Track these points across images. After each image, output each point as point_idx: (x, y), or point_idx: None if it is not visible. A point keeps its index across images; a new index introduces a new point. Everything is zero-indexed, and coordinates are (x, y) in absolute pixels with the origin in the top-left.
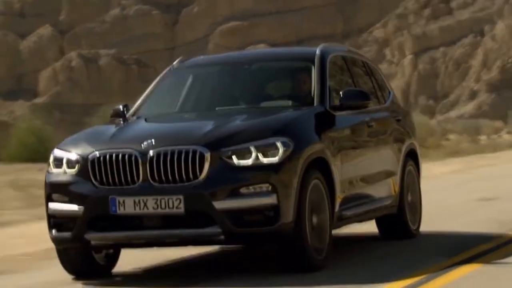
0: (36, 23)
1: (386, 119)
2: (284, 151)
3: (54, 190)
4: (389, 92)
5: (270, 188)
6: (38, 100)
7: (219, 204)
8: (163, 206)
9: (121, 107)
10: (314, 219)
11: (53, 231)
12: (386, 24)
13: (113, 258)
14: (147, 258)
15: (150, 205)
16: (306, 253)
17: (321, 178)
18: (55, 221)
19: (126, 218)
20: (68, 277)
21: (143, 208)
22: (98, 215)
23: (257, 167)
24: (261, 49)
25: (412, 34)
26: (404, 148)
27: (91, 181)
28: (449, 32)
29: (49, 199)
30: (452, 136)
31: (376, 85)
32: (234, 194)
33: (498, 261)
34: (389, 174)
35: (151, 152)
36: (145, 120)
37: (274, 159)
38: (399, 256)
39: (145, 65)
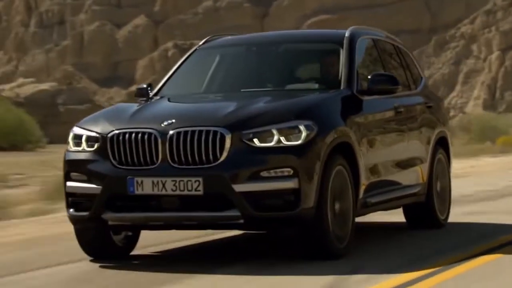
0: (132, 14)
1: (416, 105)
2: (307, 135)
3: (73, 168)
4: (421, 78)
5: (291, 172)
6: (135, 88)
7: (239, 187)
8: (181, 187)
9: (145, 86)
10: (337, 206)
11: (71, 210)
12: (474, 20)
13: (132, 240)
14: (168, 241)
15: (169, 186)
16: (326, 240)
17: (345, 164)
18: (73, 200)
19: (144, 199)
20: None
21: (162, 189)
22: (116, 195)
23: (279, 150)
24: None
25: (500, 30)
26: (434, 136)
27: (109, 160)
28: None
29: (67, 177)
30: None
31: (408, 70)
32: (255, 177)
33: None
34: (417, 161)
35: (171, 132)
36: (168, 100)
37: (297, 143)
38: (422, 246)
39: None
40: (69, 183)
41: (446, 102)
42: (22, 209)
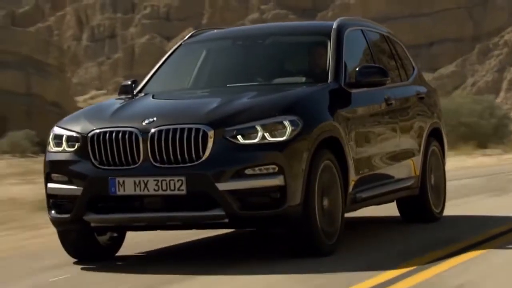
0: (180, 27)
1: (408, 96)
2: (292, 130)
3: (53, 169)
4: (413, 69)
5: (276, 169)
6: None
7: (222, 186)
8: (164, 187)
9: (129, 82)
10: (325, 202)
11: (52, 212)
12: None
13: (118, 241)
14: (154, 241)
15: (151, 186)
16: (314, 237)
17: (333, 159)
18: (54, 201)
19: (126, 200)
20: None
21: (144, 189)
22: (98, 196)
23: (263, 147)
24: (277, 23)
25: None
26: (427, 128)
27: (90, 160)
28: None
29: (48, 178)
30: None
31: (399, 61)
32: (239, 175)
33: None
34: (410, 154)
35: (152, 131)
36: (152, 96)
37: (282, 139)
38: (414, 241)
39: None
40: (50, 185)
41: None
42: None
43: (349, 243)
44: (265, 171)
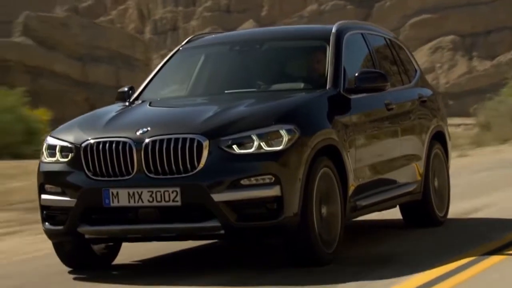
0: (241, 19)
1: (409, 100)
2: (289, 140)
3: (47, 180)
4: (416, 71)
5: (273, 179)
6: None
7: (218, 197)
8: (158, 198)
9: (126, 89)
10: (323, 210)
11: (46, 223)
12: None
13: (114, 250)
14: (150, 249)
15: (145, 197)
16: (313, 247)
17: (332, 166)
18: (48, 213)
19: (120, 211)
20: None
21: (138, 201)
22: (91, 208)
23: (259, 157)
24: (275, 27)
25: None
26: (429, 131)
27: (84, 171)
28: None
29: (41, 189)
30: None
31: (401, 65)
32: (234, 185)
33: None
34: (412, 158)
35: (146, 141)
36: (149, 104)
37: (278, 148)
38: (418, 248)
39: None
40: (43, 196)
41: None
42: None
43: (349, 252)
44: (261, 182)
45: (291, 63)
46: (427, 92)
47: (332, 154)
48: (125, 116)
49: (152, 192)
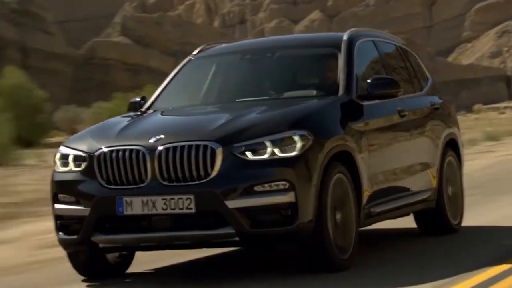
0: (307, 10)
1: (422, 107)
2: (302, 146)
3: (60, 189)
4: (427, 79)
5: (287, 185)
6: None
7: (232, 204)
8: (172, 206)
9: (138, 99)
10: (338, 216)
11: (60, 233)
12: None
13: (128, 258)
14: (164, 257)
15: (159, 205)
16: (328, 253)
17: (346, 172)
18: (62, 223)
19: (134, 219)
20: None
21: (152, 209)
22: (105, 216)
23: (273, 163)
24: (286, 35)
25: None
26: (442, 138)
27: (97, 180)
28: None
29: (55, 199)
30: None
31: (412, 72)
32: (248, 192)
33: None
34: (425, 166)
35: (159, 148)
36: (161, 113)
37: (292, 154)
38: (435, 255)
39: (410, 43)
40: (57, 205)
41: None
42: None
43: (364, 259)
44: (275, 188)
45: (302, 71)
46: (439, 99)
47: (345, 160)
48: (138, 124)
49: (166, 199)
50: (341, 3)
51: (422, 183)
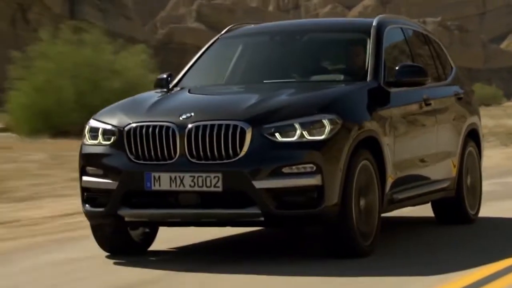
0: None
1: (446, 96)
2: (331, 129)
3: (88, 162)
4: (452, 69)
5: (314, 168)
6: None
7: (259, 184)
8: (200, 183)
9: (165, 76)
10: (362, 202)
11: (86, 205)
12: None
13: (150, 236)
14: (187, 236)
15: (187, 182)
16: (351, 238)
17: (371, 159)
18: (89, 195)
19: (161, 195)
20: None
21: (179, 185)
22: (133, 191)
23: (301, 146)
24: (316, 19)
25: None
26: (464, 128)
27: (126, 154)
28: None
29: (83, 172)
30: None
31: (438, 61)
32: (276, 173)
33: None
34: (447, 155)
35: (189, 126)
36: (188, 91)
37: (320, 138)
38: (453, 244)
39: (463, 30)
40: (84, 178)
41: None
42: None
43: (384, 246)
44: (302, 170)
45: (331, 55)
46: (462, 89)
47: (371, 146)
48: (167, 101)
49: (194, 177)
50: None
51: (443, 172)
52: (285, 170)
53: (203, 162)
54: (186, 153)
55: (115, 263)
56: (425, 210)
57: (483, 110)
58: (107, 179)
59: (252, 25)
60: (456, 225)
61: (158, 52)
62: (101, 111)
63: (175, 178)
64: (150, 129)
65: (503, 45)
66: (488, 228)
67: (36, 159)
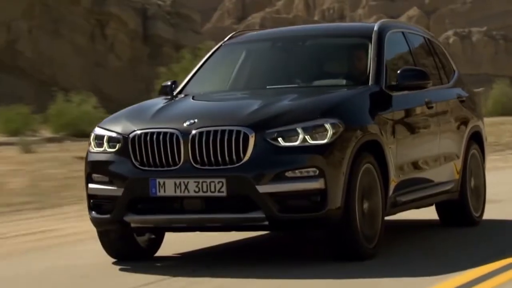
0: (405, 6)
1: (448, 99)
2: (333, 133)
3: (94, 169)
4: (454, 72)
5: (317, 172)
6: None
7: (263, 188)
8: (204, 189)
9: (169, 83)
10: (365, 205)
11: (93, 212)
12: None
13: (156, 242)
14: (192, 242)
15: (191, 187)
16: (355, 241)
17: (374, 162)
18: (95, 202)
19: (166, 201)
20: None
21: (184, 191)
22: (138, 197)
23: (304, 150)
24: (316, 24)
25: None
26: (467, 131)
27: (131, 161)
28: None
29: (89, 179)
30: None
31: (439, 64)
32: (279, 177)
33: None
34: (450, 157)
35: (193, 132)
36: (192, 98)
37: (322, 142)
38: (457, 247)
39: (508, 40)
40: (90, 185)
41: None
42: None
43: (388, 249)
44: (305, 174)
45: (333, 60)
46: (465, 92)
47: (374, 150)
48: (172, 108)
49: (198, 182)
50: (439, 0)
51: (446, 174)
52: (288, 174)
53: (207, 167)
54: (190, 159)
55: (120, 269)
56: (430, 213)
57: None
58: (113, 186)
59: (255, 32)
60: (460, 228)
61: None
62: (106, 119)
63: (180, 184)
64: (155, 136)
65: None
66: (492, 231)
67: None
